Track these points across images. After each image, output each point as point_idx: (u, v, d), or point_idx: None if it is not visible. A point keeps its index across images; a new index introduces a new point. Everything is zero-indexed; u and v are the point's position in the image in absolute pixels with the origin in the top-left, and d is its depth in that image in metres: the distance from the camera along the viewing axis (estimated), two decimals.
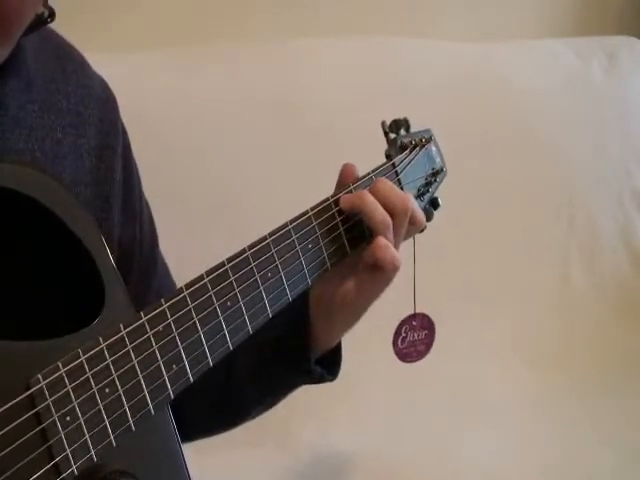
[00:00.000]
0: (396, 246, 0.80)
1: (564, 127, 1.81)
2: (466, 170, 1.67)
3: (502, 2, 1.93)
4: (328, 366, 0.87)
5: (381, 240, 0.77)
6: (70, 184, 0.74)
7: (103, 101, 0.81)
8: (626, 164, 1.85)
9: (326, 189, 0.82)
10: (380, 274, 0.78)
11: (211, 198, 1.47)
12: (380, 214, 0.77)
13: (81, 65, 0.82)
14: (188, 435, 0.92)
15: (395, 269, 0.78)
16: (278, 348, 0.84)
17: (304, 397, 1.48)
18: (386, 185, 0.79)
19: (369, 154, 0.88)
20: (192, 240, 1.41)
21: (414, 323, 0.92)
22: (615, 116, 1.85)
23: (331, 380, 0.88)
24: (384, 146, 0.91)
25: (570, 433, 1.43)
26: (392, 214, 0.78)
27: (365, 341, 1.53)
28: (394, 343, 0.92)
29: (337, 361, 0.88)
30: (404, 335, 0.92)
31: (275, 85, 1.57)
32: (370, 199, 0.77)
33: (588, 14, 2.03)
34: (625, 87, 1.87)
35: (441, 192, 0.96)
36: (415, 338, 0.93)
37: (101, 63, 0.86)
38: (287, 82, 1.59)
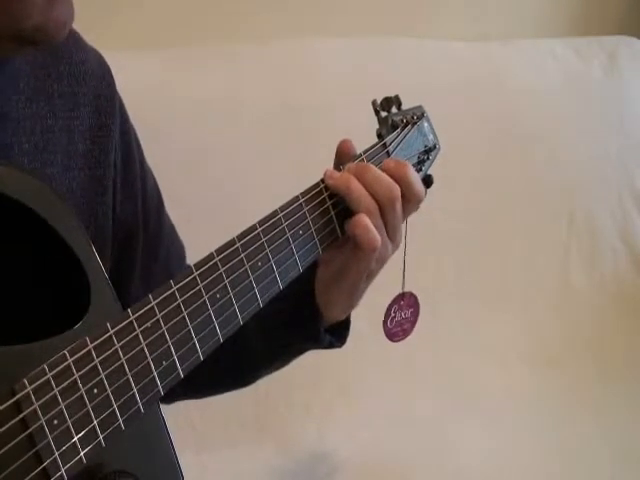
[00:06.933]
0: (390, 231, 0.77)
1: (564, 127, 1.81)
2: (465, 170, 1.67)
3: (502, 2, 1.93)
4: (338, 333, 0.86)
5: (362, 218, 0.74)
6: (63, 170, 0.73)
7: (99, 76, 0.79)
8: (626, 164, 1.85)
9: None
10: (359, 252, 0.76)
11: (210, 198, 1.47)
12: (364, 202, 0.75)
13: (75, 40, 0.79)
14: (198, 390, 0.91)
15: (373, 249, 0.74)
16: (287, 318, 0.83)
17: (304, 397, 1.49)
18: (371, 174, 0.76)
19: None
20: (191, 240, 1.41)
21: (402, 302, 0.91)
22: (615, 116, 1.85)
23: (339, 346, 0.87)
24: None
25: (570, 432, 1.43)
26: (378, 203, 0.75)
27: (364, 342, 1.54)
28: (384, 323, 0.90)
29: (346, 328, 0.87)
30: (393, 315, 0.91)
31: (275, 85, 1.57)
32: (355, 185, 0.75)
33: (588, 14, 2.02)
34: (625, 87, 1.87)
35: (434, 171, 0.93)
36: (402, 317, 0.91)
37: None
38: (287, 82, 1.59)
